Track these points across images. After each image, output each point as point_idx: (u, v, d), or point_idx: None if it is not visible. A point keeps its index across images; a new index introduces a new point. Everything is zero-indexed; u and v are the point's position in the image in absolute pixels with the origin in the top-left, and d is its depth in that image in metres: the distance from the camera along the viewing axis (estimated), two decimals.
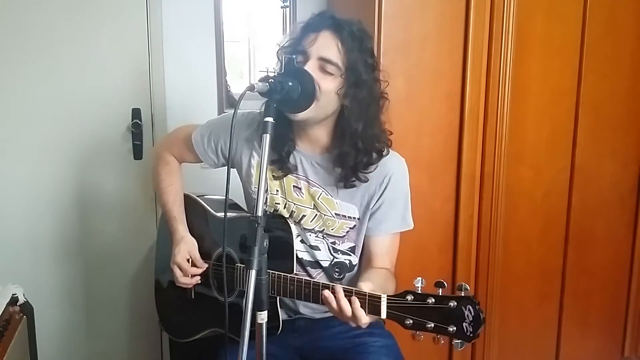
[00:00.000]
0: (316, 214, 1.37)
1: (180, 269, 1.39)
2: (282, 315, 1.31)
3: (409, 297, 1.02)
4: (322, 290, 1.14)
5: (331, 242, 1.38)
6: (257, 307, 1.02)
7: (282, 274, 1.23)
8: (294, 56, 1.19)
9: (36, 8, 1.93)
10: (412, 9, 1.78)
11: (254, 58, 2.26)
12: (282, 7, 2.20)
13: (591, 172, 2.12)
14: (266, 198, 1.39)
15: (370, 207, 1.35)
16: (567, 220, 2.13)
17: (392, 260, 1.39)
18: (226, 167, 1.29)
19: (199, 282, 1.41)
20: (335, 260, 1.39)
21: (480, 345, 2.08)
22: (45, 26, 1.95)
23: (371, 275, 1.29)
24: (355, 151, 1.28)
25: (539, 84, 1.98)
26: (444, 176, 1.93)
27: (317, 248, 1.38)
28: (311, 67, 1.22)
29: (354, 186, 1.32)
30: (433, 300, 1.00)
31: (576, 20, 1.98)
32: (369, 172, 1.31)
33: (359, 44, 1.25)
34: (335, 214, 1.36)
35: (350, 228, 1.37)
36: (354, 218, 1.36)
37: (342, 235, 1.38)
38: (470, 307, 0.97)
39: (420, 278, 1.03)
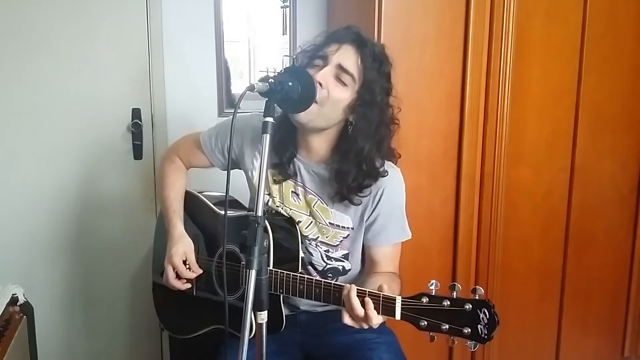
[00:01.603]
0: (312, 221, 1.37)
1: (175, 270, 1.36)
2: (284, 311, 1.31)
3: (424, 300, 1.03)
4: (334, 290, 1.15)
5: (324, 250, 1.39)
6: (257, 307, 1.02)
7: (292, 273, 1.23)
8: (294, 56, 1.20)
9: (36, 8, 1.93)
10: (412, 10, 1.79)
11: (254, 58, 2.25)
12: (282, 7, 2.20)
13: (591, 172, 2.12)
14: (268, 200, 1.40)
15: (365, 218, 1.35)
16: (567, 220, 2.13)
17: (396, 265, 1.40)
18: (231, 166, 1.30)
19: (189, 287, 1.39)
20: (328, 266, 1.40)
21: (481, 345, 2.07)
22: (45, 26, 1.95)
23: (377, 278, 1.28)
24: (356, 170, 1.28)
25: (539, 84, 1.98)
26: (444, 176, 1.93)
27: (311, 254, 1.39)
28: (327, 72, 1.23)
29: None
30: (448, 302, 1.01)
31: (576, 20, 1.98)
32: (364, 196, 1.31)
33: (378, 65, 1.26)
34: (330, 223, 1.36)
35: (344, 237, 1.38)
36: (348, 228, 1.37)
37: (335, 244, 1.38)
38: (486, 310, 0.99)
39: (434, 281, 1.04)
